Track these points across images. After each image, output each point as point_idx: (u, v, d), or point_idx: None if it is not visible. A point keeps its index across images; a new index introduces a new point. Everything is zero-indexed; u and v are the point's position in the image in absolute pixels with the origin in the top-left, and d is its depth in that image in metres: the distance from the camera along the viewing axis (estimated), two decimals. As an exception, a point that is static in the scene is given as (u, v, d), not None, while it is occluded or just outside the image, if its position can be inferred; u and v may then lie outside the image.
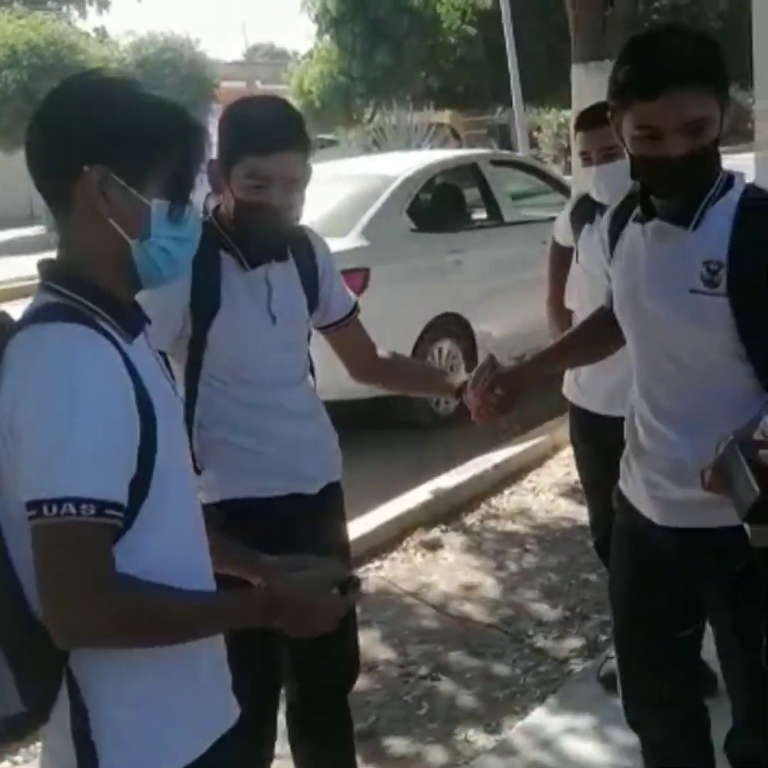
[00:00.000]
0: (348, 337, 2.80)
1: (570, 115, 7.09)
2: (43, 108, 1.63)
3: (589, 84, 6.04)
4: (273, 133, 2.37)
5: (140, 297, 1.72)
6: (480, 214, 8.49)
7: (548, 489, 6.03)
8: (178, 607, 1.62)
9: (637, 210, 2.32)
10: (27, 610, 1.56)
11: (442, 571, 5.01)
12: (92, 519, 1.49)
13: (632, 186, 2.70)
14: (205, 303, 2.46)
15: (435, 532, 5.45)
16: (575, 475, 4.50)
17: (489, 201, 8.38)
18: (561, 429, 5.84)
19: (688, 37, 2.23)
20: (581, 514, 4.86)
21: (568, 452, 4.49)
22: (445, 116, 33.11)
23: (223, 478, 2.53)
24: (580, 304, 3.73)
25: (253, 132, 2.38)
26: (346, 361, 2.82)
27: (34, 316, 1.59)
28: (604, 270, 2.54)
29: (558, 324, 4.22)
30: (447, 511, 5.70)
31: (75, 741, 1.60)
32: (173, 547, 1.64)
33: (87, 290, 1.61)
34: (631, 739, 3.42)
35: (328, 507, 2.66)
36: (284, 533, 2.51)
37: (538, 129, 28.43)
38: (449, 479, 5.95)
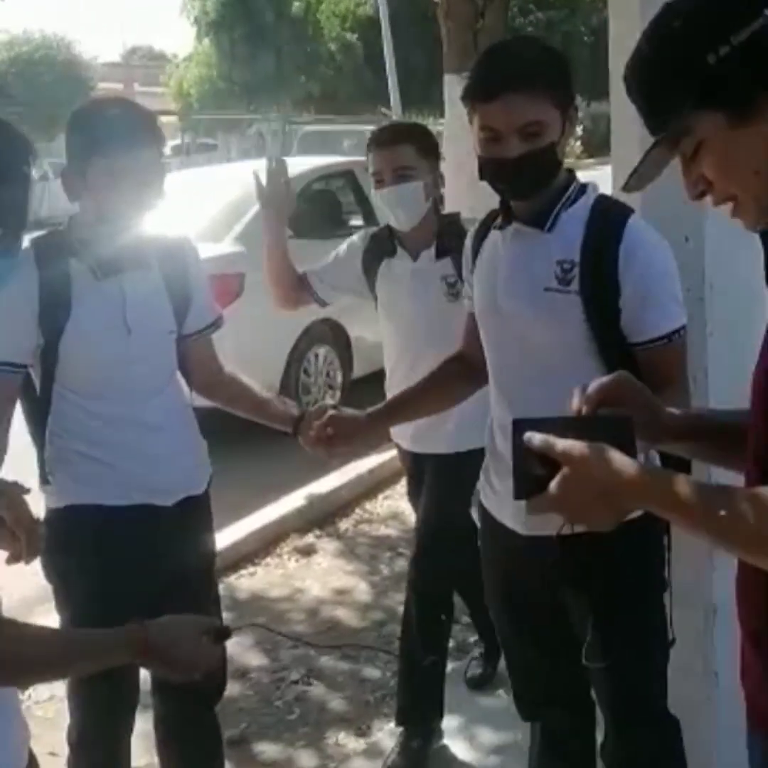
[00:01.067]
0: (195, 351, 2.69)
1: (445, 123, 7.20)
2: None
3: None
4: (123, 133, 2.33)
5: None
6: (356, 221, 8.52)
7: (422, 493, 6.09)
8: (52, 644, 1.61)
9: (498, 220, 2.39)
10: None
11: (316, 576, 5.03)
12: None
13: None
14: (54, 313, 2.40)
15: (309, 538, 5.47)
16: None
17: (365, 208, 8.43)
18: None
19: (533, 47, 2.34)
20: (452, 517, 4.91)
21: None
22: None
23: (74, 484, 2.50)
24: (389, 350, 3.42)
25: (103, 133, 2.34)
26: (187, 374, 2.68)
27: None
28: (466, 291, 2.59)
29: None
30: (321, 517, 5.72)
31: None
32: None
33: None
34: (497, 738, 3.52)
35: (188, 520, 2.60)
36: (141, 543, 2.48)
37: (417, 137, 28.65)
38: (324, 484, 5.96)
